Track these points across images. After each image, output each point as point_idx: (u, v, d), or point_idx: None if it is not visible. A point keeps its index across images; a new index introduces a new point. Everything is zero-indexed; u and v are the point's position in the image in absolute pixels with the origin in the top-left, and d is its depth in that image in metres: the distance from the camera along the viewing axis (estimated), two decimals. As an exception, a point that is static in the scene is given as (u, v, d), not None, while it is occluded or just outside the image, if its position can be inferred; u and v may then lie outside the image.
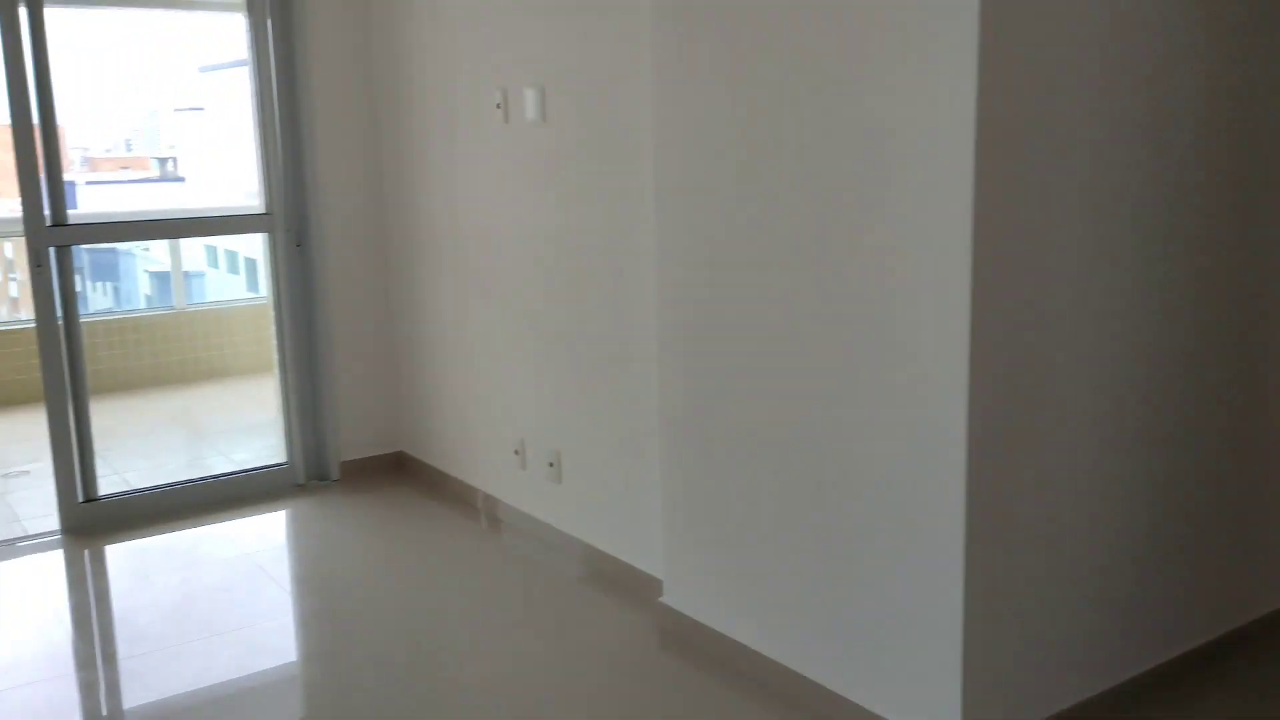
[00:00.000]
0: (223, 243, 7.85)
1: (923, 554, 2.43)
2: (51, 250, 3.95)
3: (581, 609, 3.41)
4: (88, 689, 3.03)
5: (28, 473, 4.96)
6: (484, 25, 3.83)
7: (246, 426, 5.86)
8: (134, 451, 5.45)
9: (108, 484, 4.67)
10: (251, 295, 7.99)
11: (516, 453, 4.00)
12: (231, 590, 3.61)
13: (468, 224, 4.12)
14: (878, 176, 2.39)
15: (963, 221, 2.23)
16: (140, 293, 9.61)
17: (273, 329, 4.69)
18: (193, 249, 8.13)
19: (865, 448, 2.53)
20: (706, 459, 3.01)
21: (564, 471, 3.78)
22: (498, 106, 3.78)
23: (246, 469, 4.58)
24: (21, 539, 4.08)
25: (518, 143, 3.74)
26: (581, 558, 3.72)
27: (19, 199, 3.86)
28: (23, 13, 3.77)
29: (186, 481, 4.43)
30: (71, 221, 4.00)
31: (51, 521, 4.13)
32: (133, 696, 3.00)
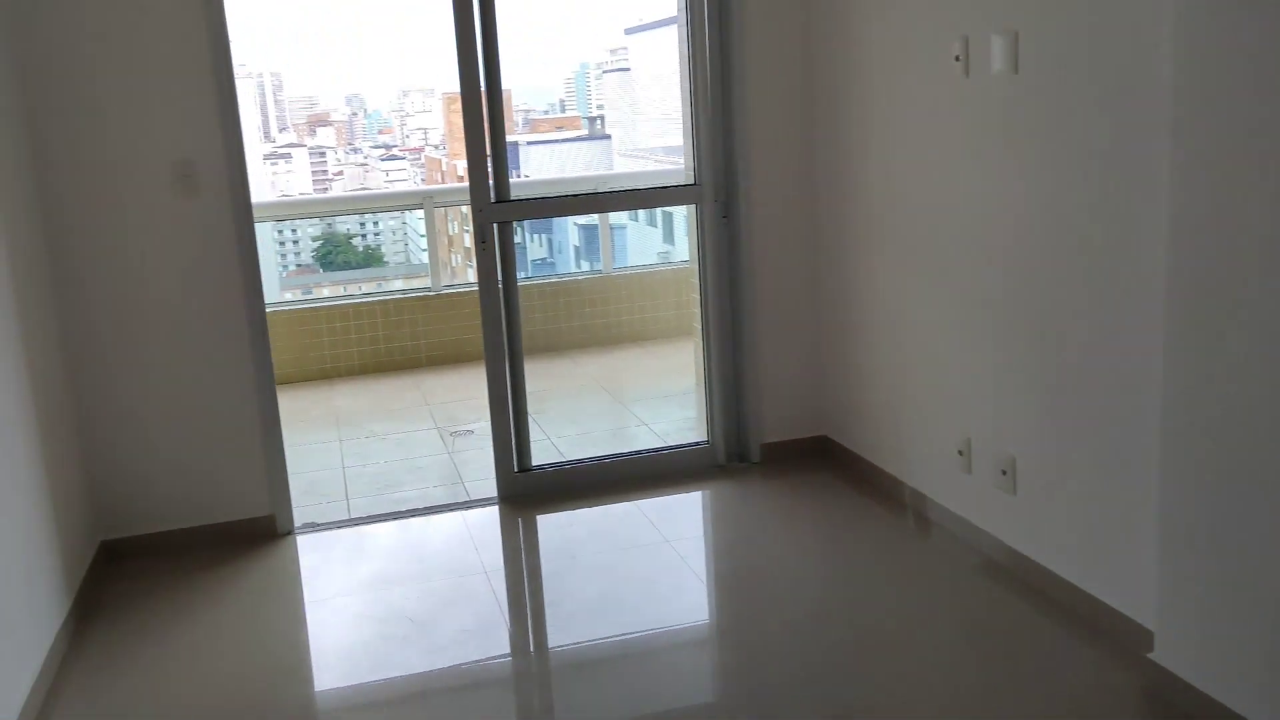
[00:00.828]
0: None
1: None
2: (495, 226, 4.01)
3: (1038, 647, 2.92)
4: (521, 680, 3.03)
5: (471, 432, 5.21)
6: (941, -34, 3.35)
7: (665, 394, 5.84)
8: (563, 415, 5.59)
9: (540, 450, 4.78)
10: (667, 248, 8.05)
11: (960, 453, 3.54)
12: (654, 583, 3.50)
13: (910, 194, 3.68)
14: None
15: None
16: (569, 244, 9.92)
17: (696, 301, 4.54)
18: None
19: None
20: (1225, 483, 2.41)
21: (1019, 482, 3.28)
22: (956, 59, 3.29)
23: (668, 447, 4.49)
24: (464, 503, 4.24)
25: (979, 100, 3.24)
26: (1037, 585, 3.21)
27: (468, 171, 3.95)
28: (472, -10, 3.81)
29: (611, 456, 4.40)
30: (513, 196, 4.04)
31: (489, 486, 4.25)
32: (564, 696, 2.95)
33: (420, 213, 7.01)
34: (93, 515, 3.75)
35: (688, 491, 4.28)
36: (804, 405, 4.46)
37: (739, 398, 4.39)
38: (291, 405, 5.93)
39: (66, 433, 3.59)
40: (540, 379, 6.26)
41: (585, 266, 8.08)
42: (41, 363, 3.36)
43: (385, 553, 3.86)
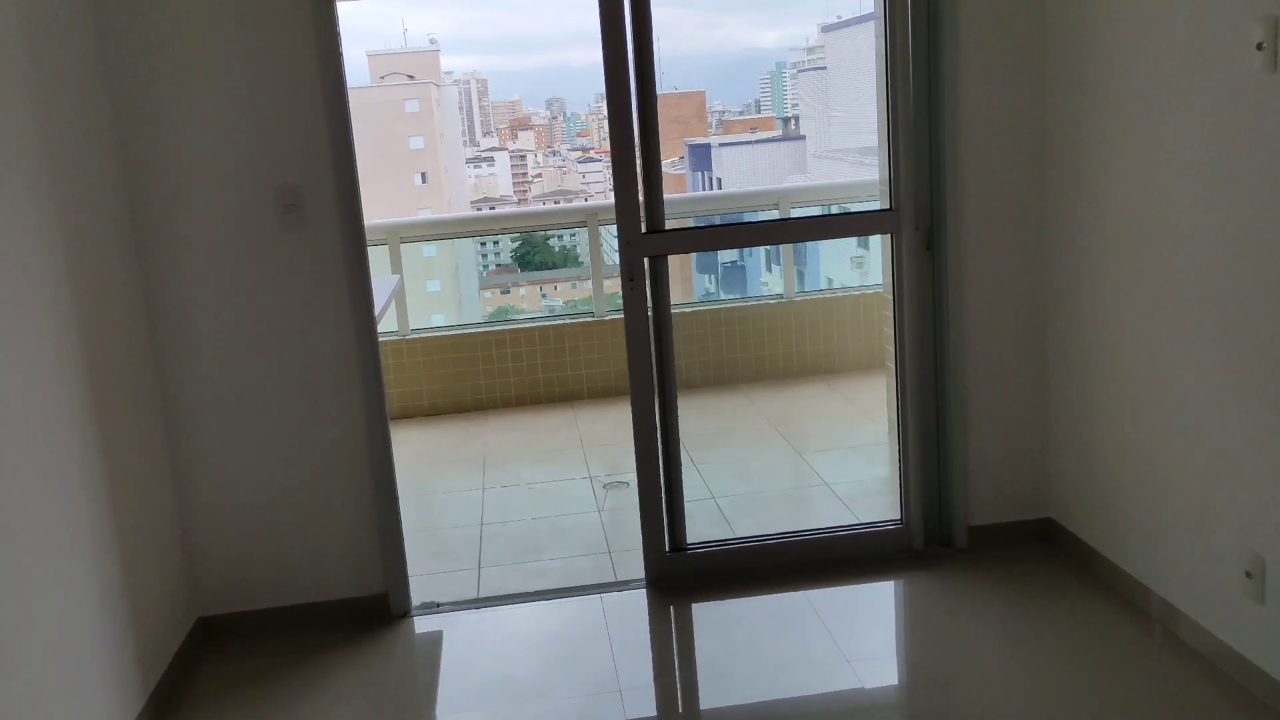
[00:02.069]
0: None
1: None
2: (645, 261, 3.37)
3: None
4: None
5: (627, 484, 4.61)
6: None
7: (853, 445, 5.06)
8: (731, 468, 4.90)
9: (701, 513, 4.14)
10: (862, 253, 7.19)
11: (1249, 576, 2.65)
12: (828, 721, 2.78)
13: (1180, 224, 2.81)
14: None
15: None
16: (744, 256, 9.08)
17: (890, 348, 3.77)
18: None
19: None
20: None
21: (1341, 632, 2.38)
22: (1259, 47, 2.42)
23: (851, 528, 3.73)
24: (607, 585, 3.62)
25: (1292, 106, 2.36)
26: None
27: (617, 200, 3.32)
28: (623, -18, 3.18)
29: (781, 537, 3.68)
30: (669, 227, 3.39)
31: (639, 559, 3.61)
32: None
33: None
34: (189, 587, 3.33)
35: (875, 582, 3.52)
36: (1024, 481, 3.62)
37: (942, 469, 3.60)
38: (439, 440, 5.49)
39: (159, 489, 3.17)
40: (710, 417, 5.59)
41: (763, 287, 7.36)
42: (133, 416, 2.94)
43: (509, 651, 3.27)
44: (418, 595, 3.56)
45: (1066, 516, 3.54)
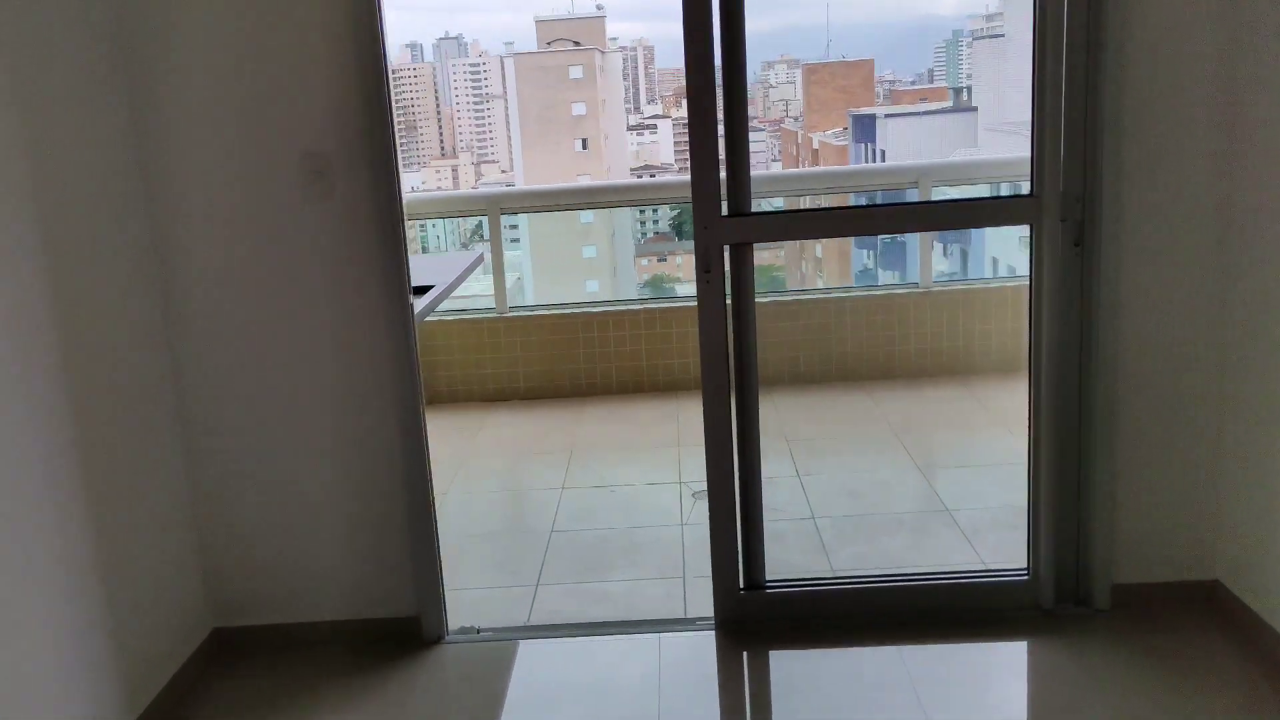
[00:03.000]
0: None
1: None
2: (726, 250, 2.84)
3: None
4: None
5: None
6: None
7: (985, 462, 4.41)
8: (841, 480, 4.34)
9: (796, 535, 3.61)
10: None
11: None
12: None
13: None
14: None
15: None
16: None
17: (1025, 359, 3.14)
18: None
19: None
20: None
21: None
22: None
23: (967, 575, 3.14)
24: (672, 622, 3.14)
25: None
26: None
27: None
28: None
29: (877, 579, 3.13)
30: (757, 208, 2.86)
31: (706, 597, 3.11)
32: None
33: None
34: (204, 595, 3.02)
35: (992, 643, 2.93)
36: (1186, 534, 2.95)
37: (1082, 511, 2.96)
38: (529, 428, 5.10)
39: (169, 488, 2.86)
40: (825, 418, 5.03)
41: (892, 274, 6.67)
42: (140, 408, 2.63)
43: (544, 696, 2.84)
44: (460, 616, 3.16)
45: (1237, 581, 2.86)
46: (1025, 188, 2.89)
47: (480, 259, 4.30)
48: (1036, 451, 2.98)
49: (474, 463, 4.69)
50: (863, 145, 14.80)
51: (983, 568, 3.20)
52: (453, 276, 3.82)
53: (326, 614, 3.03)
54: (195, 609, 2.98)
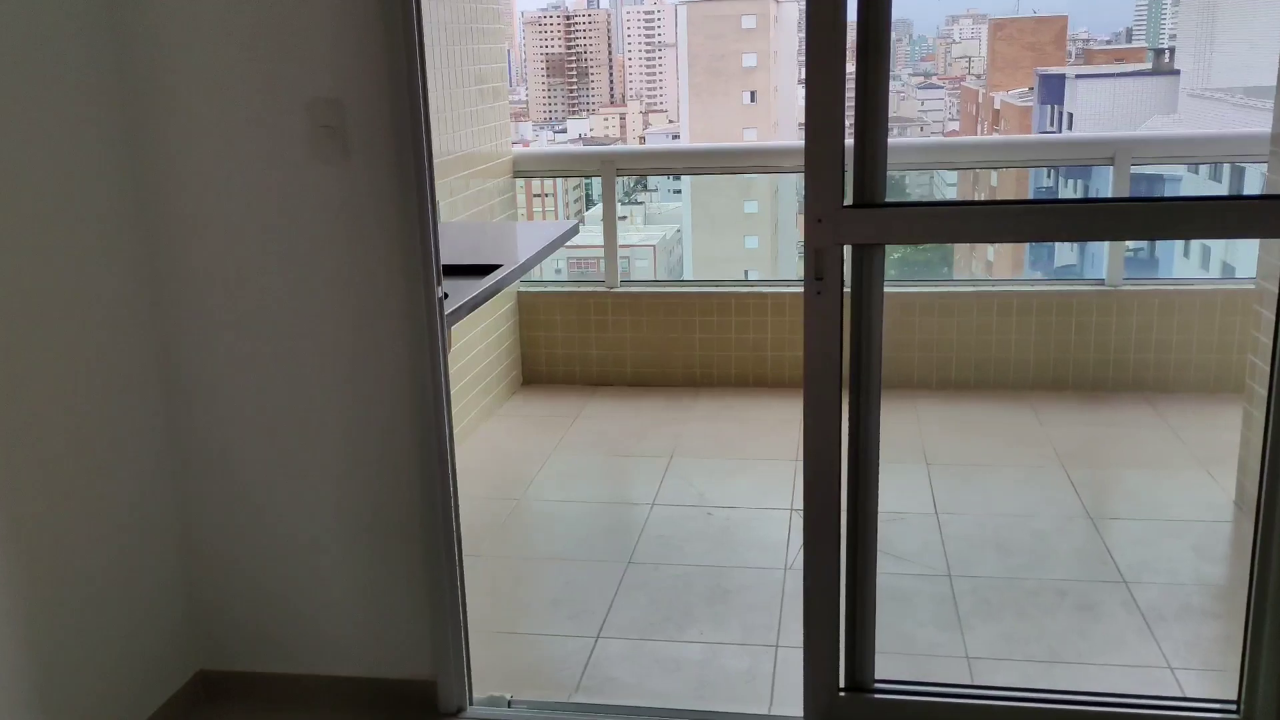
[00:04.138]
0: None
1: None
2: (846, 251, 2.12)
3: None
4: None
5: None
6: None
7: (1175, 514, 3.55)
8: (986, 512, 3.57)
9: (923, 594, 2.89)
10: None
11: None
12: None
13: None
14: None
15: None
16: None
17: (1247, 383, 2.30)
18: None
19: None
20: None
21: None
22: None
23: (1143, 701, 2.34)
24: (750, 719, 2.48)
25: None
26: None
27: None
28: None
29: (1017, 696, 2.36)
30: (894, 198, 2.12)
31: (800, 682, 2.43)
32: None
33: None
34: (190, 631, 2.52)
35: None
36: None
37: (1321, 637, 2.14)
38: (629, 422, 4.49)
39: (152, 509, 2.36)
40: (974, 435, 4.23)
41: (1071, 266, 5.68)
42: (123, 412, 2.13)
43: (575, 804, 2.23)
44: (492, 674, 2.58)
45: None
46: (1253, 172, 2.05)
47: (573, 230, 3.66)
48: (1268, 524, 2.16)
49: (560, 459, 4.10)
50: (1048, 107, 13.82)
51: (1175, 696, 2.41)
52: (527, 254, 3.19)
53: (327, 666, 2.49)
54: (178, 646, 2.49)
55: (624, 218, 6.54)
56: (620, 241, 4.95)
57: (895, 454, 4.01)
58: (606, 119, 35.76)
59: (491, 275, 2.91)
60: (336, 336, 2.30)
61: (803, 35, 1.98)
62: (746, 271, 8.33)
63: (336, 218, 2.23)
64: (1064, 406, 4.47)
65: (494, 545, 3.42)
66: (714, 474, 3.93)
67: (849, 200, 2.08)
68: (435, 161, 2.21)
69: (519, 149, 4.85)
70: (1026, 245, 6.56)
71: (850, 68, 2.06)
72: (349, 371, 2.31)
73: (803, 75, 2.00)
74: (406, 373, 2.28)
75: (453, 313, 2.44)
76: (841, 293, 2.12)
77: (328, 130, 2.18)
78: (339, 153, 2.19)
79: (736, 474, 3.93)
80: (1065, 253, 5.89)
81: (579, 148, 13.11)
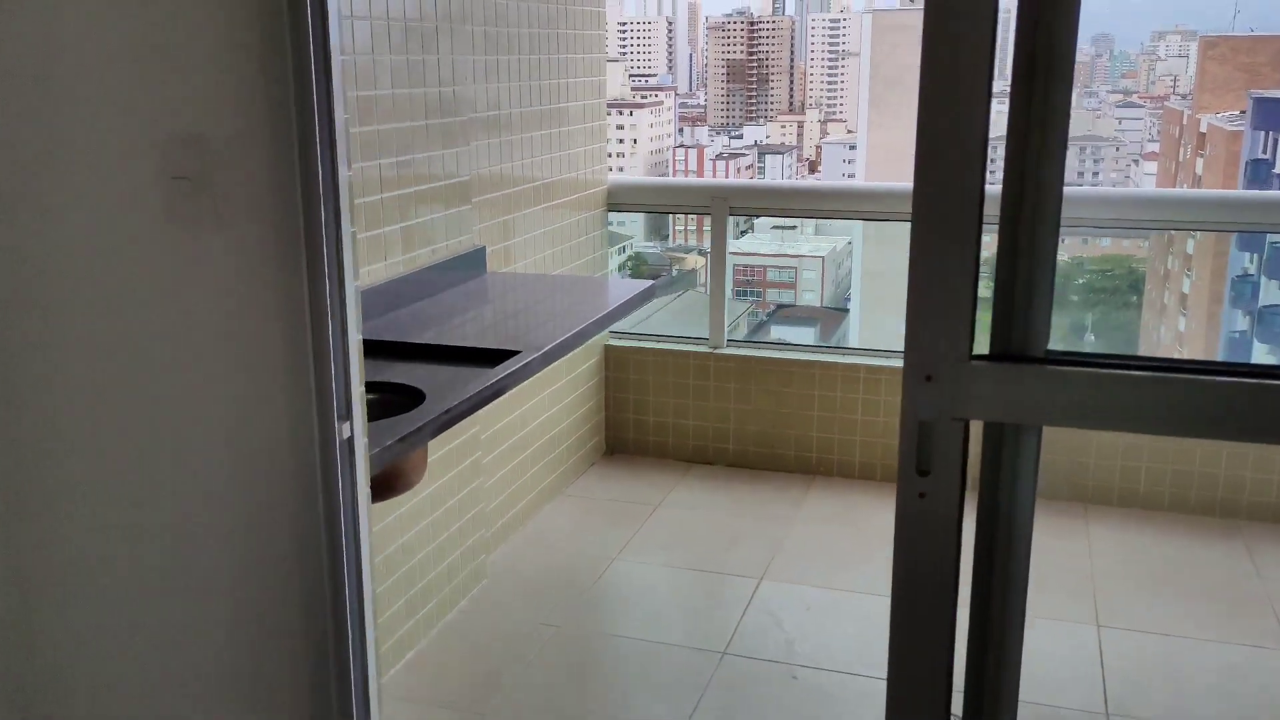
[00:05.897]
0: None
1: None
2: (961, 430, 1.25)
3: None
4: None
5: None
6: None
7: None
8: (1156, 713, 2.59)
9: None
10: None
11: None
12: None
13: None
14: None
15: None
16: None
17: None
18: None
19: None
20: None
21: None
22: None
23: None
24: None
25: None
26: None
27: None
28: None
29: None
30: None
31: None
32: None
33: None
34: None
35: None
36: None
37: None
38: (725, 515, 3.66)
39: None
40: (1174, 580, 3.24)
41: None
42: None
43: None
44: None
45: None
46: None
47: (645, 294, 2.86)
48: None
49: (625, 565, 3.32)
50: (1262, 133, 12.61)
51: None
52: (566, 331, 2.40)
53: None
54: None
55: (793, 226, 5.66)
56: (789, 251, 4.22)
57: (1055, 598, 3.06)
58: (784, 126, 34.87)
59: (501, 366, 2.14)
60: (216, 463, 1.57)
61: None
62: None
63: (214, 301, 1.51)
64: (1291, 547, 3.40)
65: (512, 694, 2.66)
66: (812, 611, 3.07)
67: (983, 348, 1.21)
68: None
69: (615, 177, 4.09)
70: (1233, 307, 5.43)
71: (998, 106, 1.21)
72: (234, 459, 1.59)
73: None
74: (292, 558, 1.54)
75: (381, 452, 1.69)
76: (962, 495, 1.26)
77: (188, 185, 1.46)
78: (205, 216, 1.47)
79: (839, 613, 3.06)
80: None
81: (687, 180, 12.09)
